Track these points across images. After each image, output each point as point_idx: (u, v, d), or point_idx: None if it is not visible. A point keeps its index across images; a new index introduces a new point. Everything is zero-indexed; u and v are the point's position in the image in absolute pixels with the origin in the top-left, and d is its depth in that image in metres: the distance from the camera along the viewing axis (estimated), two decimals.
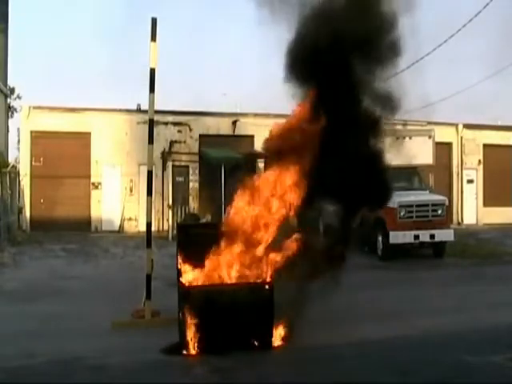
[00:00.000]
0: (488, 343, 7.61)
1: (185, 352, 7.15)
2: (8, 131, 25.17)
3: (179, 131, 23.19)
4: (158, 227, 21.42)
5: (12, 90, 29.96)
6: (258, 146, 15.94)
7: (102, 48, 43.38)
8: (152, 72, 9.28)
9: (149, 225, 9.56)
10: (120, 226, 22.23)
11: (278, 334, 7.53)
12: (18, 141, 23.59)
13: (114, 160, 22.26)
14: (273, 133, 8.03)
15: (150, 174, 9.58)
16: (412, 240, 15.56)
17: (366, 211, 11.33)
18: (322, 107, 7.68)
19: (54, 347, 7.68)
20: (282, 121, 8.25)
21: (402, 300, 10.40)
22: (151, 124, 9.44)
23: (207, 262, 7.70)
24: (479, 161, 26.34)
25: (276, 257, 7.80)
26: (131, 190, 22.46)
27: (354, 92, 7.85)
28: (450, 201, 21.39)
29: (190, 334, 7.11)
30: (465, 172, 26.17)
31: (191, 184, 23.18)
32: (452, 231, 15.95)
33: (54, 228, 20.60)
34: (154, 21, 9.20)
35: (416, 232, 15.39)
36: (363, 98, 8.01)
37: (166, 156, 22.70)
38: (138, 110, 22.50)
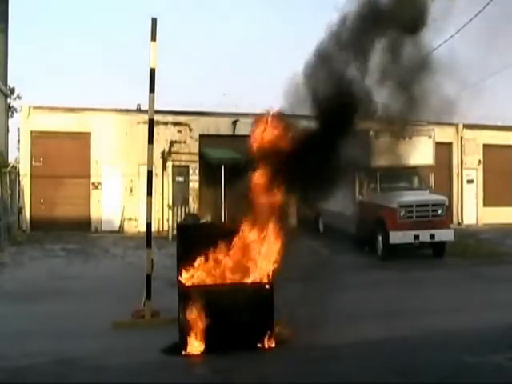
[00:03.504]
0: (488, 343, 7.61)
1: (185, 352, 7.15)
2: (8, 131, 25.13)
3: (179, 131, 23.16)
4: (158, 227, 21.40)
5: (12, 90, 29.92)
6: None
7: (102, 48, 43.42)
8: (152, 72, 9.28)
9: (149, 225, 9.56)
10: (120, 226, 22.21)
11: (278, 334, 7.54)
12: (18, 141, 23.55)
13: (114, 160, 22.23)
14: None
15: (149, 174, 9.58)
16: (412, 240, 15.54)
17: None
18: None
19: (54, 347, 7.68)
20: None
21: (402, 300, 10.39)
22: (151, 124, 9.44)
23: (207, 262, 7.71)
24: (479, 161, 26.31)
25: (276, 257, 7.81)
26: (131, 190, 22.43)
27: None
28: (450, 201, 21.37)
29: (190, 334, 7.11)
30: (465, 172, 26.14)
31: (191, 184, 23.15)
32: (452, 231, 15.94)
33: (54, 228, 20.56)
34: (154, 21, 9.21)
35: (416, 232, 15.37)
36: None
37: (166, 156, 22.68)
38: (138, 110, 22.47)
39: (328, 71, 8.09)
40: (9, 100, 27.06)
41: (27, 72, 44.05)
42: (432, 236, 15.49)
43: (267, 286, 7.48)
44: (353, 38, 7.94)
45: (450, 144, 25.74)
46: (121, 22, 56.73)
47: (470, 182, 26.17)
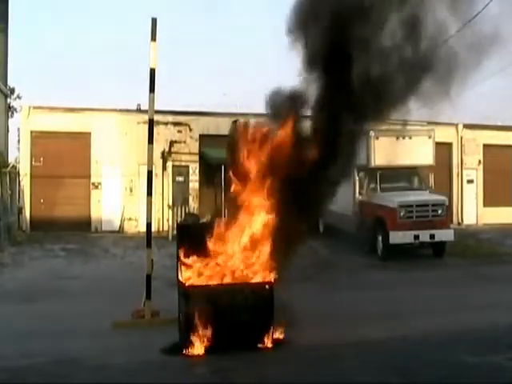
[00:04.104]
0: (488, 343, 7.61)
1: (185, 352, 7.15)
2: (8, 131, 25.13)
3: (179, 131, 23.17)
4: (158, 227, 21.41)
5: (12, 90, 29.91)
6: None
7: (102, 47, 43.39)
8: (152, 72, 9.28)
9: (149, 225, 9.56)
10: (120, 226, 22.21)
11: (278, 334, 7.53)
12: (18, 141, 23.56)
13: (113, 160, 22.24)
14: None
15: (149, 174, 9.59)
16: (412, 240, 15.54)
17: None
18: None
19: (54, 347, 7.69)
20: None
21: (402, 300, 10.40)
22: (151, 124, 9.45)
23: (207, 262, 7.70)
24: (479, 161, 26.32)
25: (276, 257, 7.80)
26: (131, 190, 22.45)
27: None
28: (450, 201, 21.37)
29: (190, 334, 7.11)
30: (465, 172, 26.15)
31: (191, 184, 23.17)
32: (452, 231, 15.94)
33: (54, 228, 20.57)
34: (154, 21, 9.22)
35: (416, 232, 15.37)
36: None
37: (166, 156, 22.70)
38: (138, 110, 22.48)
39: None
40: (9, 100, 27.06)
41: (27, 72, 44.06)
42: (432, 236, 15.48)
43: (267, 286, 7.48)
44: None
45: (450, 144, 25.75)
46: (121, 22, 56.78)
47: (470, 182, 26.18)
